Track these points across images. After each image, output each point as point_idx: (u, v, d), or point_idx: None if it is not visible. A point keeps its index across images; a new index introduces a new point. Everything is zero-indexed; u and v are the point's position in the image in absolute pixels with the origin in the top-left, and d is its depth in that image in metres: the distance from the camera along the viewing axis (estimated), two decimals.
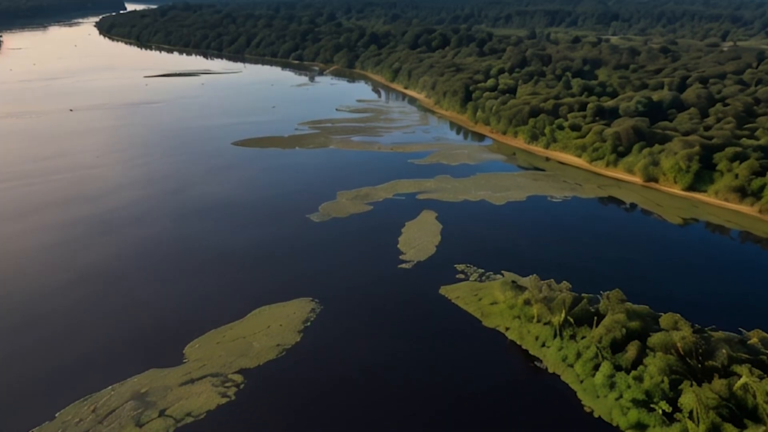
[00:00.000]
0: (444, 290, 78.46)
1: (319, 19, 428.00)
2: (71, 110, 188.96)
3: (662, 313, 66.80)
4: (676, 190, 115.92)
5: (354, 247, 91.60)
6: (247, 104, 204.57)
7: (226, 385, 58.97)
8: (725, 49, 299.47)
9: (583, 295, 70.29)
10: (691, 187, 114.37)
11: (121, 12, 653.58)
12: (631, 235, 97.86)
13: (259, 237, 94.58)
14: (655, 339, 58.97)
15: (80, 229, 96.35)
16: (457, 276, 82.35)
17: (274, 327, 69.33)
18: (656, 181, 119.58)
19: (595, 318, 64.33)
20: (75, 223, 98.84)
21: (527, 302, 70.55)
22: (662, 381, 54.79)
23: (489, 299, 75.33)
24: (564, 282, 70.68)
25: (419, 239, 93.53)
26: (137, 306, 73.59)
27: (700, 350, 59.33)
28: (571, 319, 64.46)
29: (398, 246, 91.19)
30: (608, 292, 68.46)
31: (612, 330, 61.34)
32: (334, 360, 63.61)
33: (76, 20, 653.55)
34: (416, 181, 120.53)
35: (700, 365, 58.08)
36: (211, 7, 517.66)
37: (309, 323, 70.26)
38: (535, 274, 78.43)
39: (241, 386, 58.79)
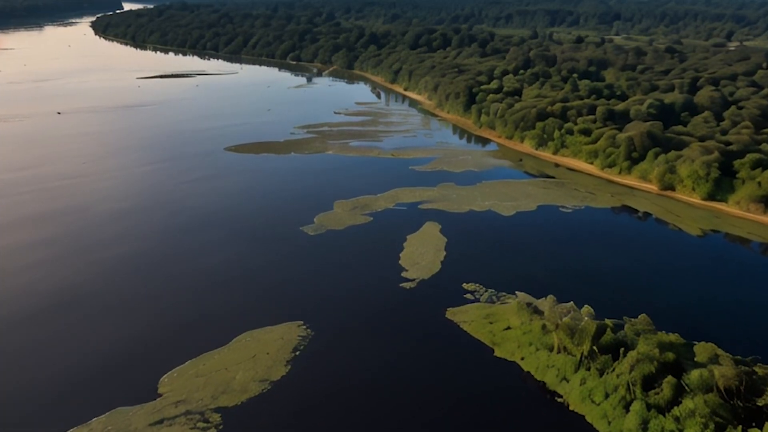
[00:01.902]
0: (451, 313, 71.68)
1: (317, 19, 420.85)
2: (59, 113, 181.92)
3: (695, 342, 60.29)
4: (695, 200, 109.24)
5: (351, 263, 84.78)
6: (242, 107, 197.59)
7: (201, 426, 52.04)
8: (732, 48, 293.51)
9: (605, 320, 63.70)
10: (710, 196, 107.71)
11: (118, 12, 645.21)
12: (651, 249, 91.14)
13: (247, 252, 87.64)
14: (694, 376, 52.17)
15: (51, 250, 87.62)
16: (465, 296, 75.60)
17: (261, 356, 62.55)
18: (673, 189, 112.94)
19: (622, 349, 57.62)
20: (46, 243, 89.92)
21: (545, 329, 63.92)
22: (706, 426, 48.12)
23: (502, 324, 68.58)
24: (586, 306, 63.89)
25: (422, 254, 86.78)
26: (108, 333, 66.50)
27: (742, 387, 52.75)
28: (597, 350, 57.72)
29: (400, 262, 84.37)
30: (635, 319, 61.85)
31: (643, 363, 54.63)
32: (325, 397, 56.73)
33: (72, 20, 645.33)
34: (418, 190, 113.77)
35: (743, 405, 51.46)
36: (209, 6, 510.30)
37: (298, 352, 63.40)
38: (551, 296, 71.90)
39: (219, 428, 51.95)
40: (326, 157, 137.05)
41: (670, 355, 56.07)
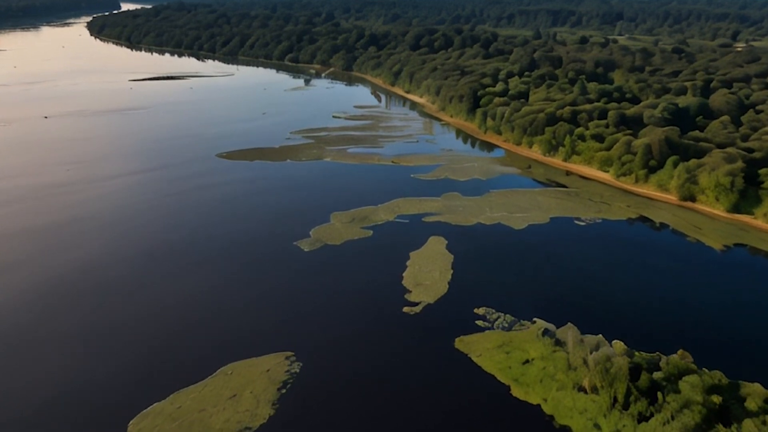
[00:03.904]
0: (461, 343, 64.39)
1: (316, 19, 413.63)
2: (46, 117, 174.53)
3: (741, 382, 53.05)
4: (718, 211, 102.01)
5: (348, 284, 77.29)
6: (237, 110, 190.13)
7: None
8: (739, 49, 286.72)
9: (636, 354, 56.55)
10: (735, 208, 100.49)
11: (114, 12, 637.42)
12: (676, 267, 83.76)
13: (236, 272, 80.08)
14: (748, 429, 45.03)
15: (15, 274, 78.69)
16: (476, 322, 68.35)
17: (244, 395, 55.29)
18: (693, 200, 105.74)
19: (660, 393, 50.40)
20: (10, 267, 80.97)
21: (570, 365, 56.70)
22: None
23: (518, 355, 61.30)
24: (618, 342, 56.50)
25: (427, 274, 79.49)
26: (74, 367, 59.11)
27: None
28: (636, 392, 50.37)
29: (402, 283, 77.08)
30: (673, 355, 54.61)
31: (687, 410, 47.45)
32: None
33: (69, 20, 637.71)
34: (421, 200, 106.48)
35: None
36: (207, 6, 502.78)
37: (286, 390, 56.17)
38: (572, 325, 64.85)
39: None
40: (323, 164, 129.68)
41: (716, 399, 48.96)
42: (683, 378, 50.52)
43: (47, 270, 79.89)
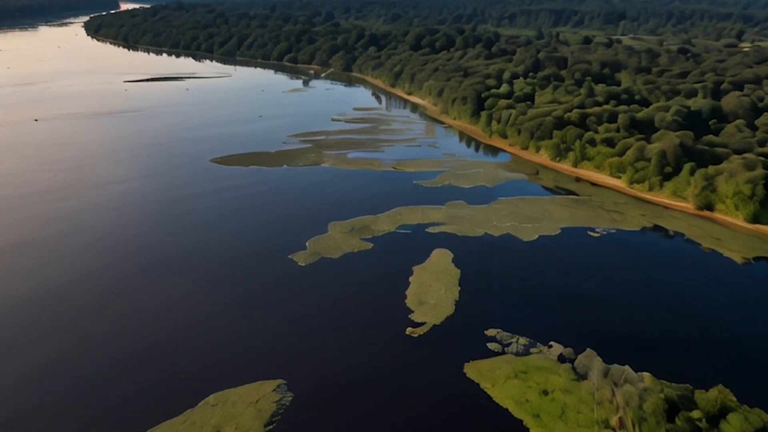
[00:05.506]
0: (471, 369, 58.97)
1: (316, 19, 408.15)
2: (36, 120, 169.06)
3: None
4: (737, 221, 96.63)
5: (347, 302, 71.73)
6: (233, 112, 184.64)
7: None
8: (746, 49, 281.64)
9: (665, 386, 51.18)
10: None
11: (112, 12, 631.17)
12: (700, 284, 78.33)
13: (224, 289, 74.45)
14: None
15: None
16: (488, 345, 62.99)
17: (227, 431, 49.94)
18: (710, 209, 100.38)
19: None
20: None
21: (594, 398, 51.31)
22: None
23: (535, 384, 55.86)
24: (648, 374, 51.11)
25: (432, 292, 74.04)
26: (38, 398, 53.61)
27: None
28: None
29: (405, 301, 71.64)
30: (710, 390, 49.18)
31: None
32: None
33: (67, 20, 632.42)
34: (424, 209, 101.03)
35: None
36: (206, 6, 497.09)
37: (274, 424, 50.79)
38: (591, 351, 59.48)
39: None
40: (321, 170, 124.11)
41: None
42: (726, 417, 45.13)
43: (19, 288, 74.45)
